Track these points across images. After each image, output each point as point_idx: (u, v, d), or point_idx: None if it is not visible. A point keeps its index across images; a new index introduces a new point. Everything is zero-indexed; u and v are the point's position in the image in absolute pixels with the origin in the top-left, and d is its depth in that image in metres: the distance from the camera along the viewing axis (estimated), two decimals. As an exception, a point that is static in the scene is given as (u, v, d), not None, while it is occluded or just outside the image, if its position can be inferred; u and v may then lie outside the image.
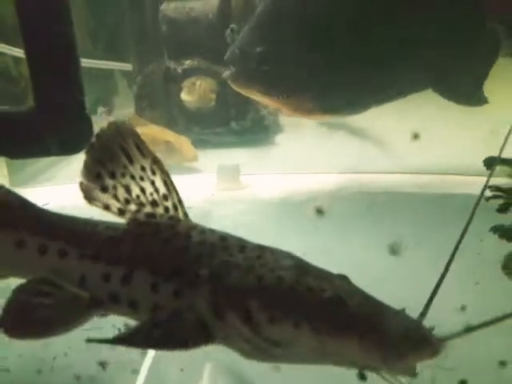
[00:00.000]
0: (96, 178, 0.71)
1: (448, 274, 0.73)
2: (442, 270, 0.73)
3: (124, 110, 3.26)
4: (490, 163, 1.26)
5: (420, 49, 1.86)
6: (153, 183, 0.71)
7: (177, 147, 2.34)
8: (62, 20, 1.11)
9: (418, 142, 2.34)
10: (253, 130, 2.86)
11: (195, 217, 1.86)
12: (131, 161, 0.70)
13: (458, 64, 1.97)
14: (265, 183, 2.20)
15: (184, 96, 3.25)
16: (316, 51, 1.78)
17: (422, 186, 2.07)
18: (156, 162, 0.72)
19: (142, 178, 0.70)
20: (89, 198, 0.71)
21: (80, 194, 0.72)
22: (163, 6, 2.94)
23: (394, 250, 1.47)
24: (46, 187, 2.21)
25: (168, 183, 0.73)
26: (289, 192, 2.09)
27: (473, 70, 1.99)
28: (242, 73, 1.84)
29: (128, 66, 2.91)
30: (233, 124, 2.83)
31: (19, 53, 2.11)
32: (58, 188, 2.13)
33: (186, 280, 0.67)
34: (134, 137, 0.70)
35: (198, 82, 3.15)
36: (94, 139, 0.71)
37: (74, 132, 1.16)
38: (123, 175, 0.70)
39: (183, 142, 2.39)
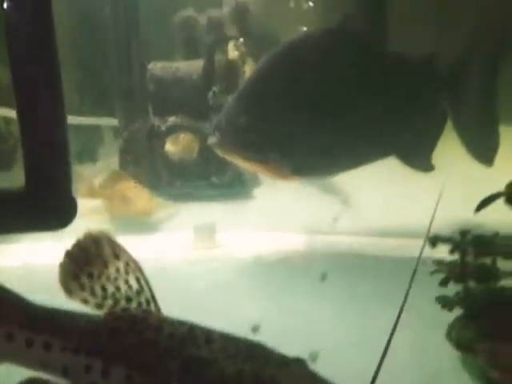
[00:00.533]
0: (74, 278, 0.81)
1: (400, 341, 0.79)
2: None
3: (109, 159, 3.38)
4: (435, 241, 1.39)
5: (382, 122, 2.09)
6: (127, 282, 0.82)
7: (133, 201, 2.41)
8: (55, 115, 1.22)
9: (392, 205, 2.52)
10: (232, 185, 3.00)
11: (171, 277, 1.97)
12: (106, 265, 0.81)
13: (412, 135, 2.20)
14: (240, 241, 2.30)
15: (168, 147, 3.40)
16: (293, 122, 1.98)
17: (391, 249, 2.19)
18: (129, 262, 0.83)
19: (116, 278, 0.81)
20: (68, 292, 0.82)
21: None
22: (151, 66, 3.13)
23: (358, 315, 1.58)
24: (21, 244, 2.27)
25: (141, 280, 0.84)
26: (263, 251, 2.20)
27: (424, 140, 2.22)
28: (227, 140, 2.01)
29: (114, 122, 3.05)
30: (213, 178, 2.97)
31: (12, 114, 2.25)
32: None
33: (157, 373, 0.74)
34: (110, 244, 0.81)
35: (182, 135, 3.32)
36: (72, 246, 0.82)
37: (60, 210, 1.27)
38: (99, 276, 0.81)
39: (142, 197, 2.46)
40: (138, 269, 0.85)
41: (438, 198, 1.36)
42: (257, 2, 3.79)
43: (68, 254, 0.83)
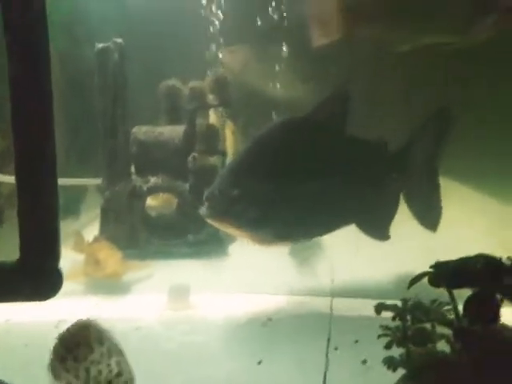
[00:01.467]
0: (62, 361, 0.97)
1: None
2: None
3: (91, 214, 3.52)
4: (379, 309, 1.57)
5: (346, 195, 2.44)
6: (108, 365, 0.97)
7: (104, 264, 2.55)
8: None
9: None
10: (208, 242, 3.17)
11: (144, 338, 2.09)
12: (92, 350, 0.97)
13: (370, 207, 2.55)
14: (213, 303, 2.45)
15: (148, 201, 3.59)
16: (275, 195, 2.26)
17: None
18: (112, 347, 0.99)
19: (99, 362, 0.97)
20: (55, 375, 0.97)
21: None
22: (135, 129, 3.35)
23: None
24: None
25: (121, 363, 0.99)
26: (236, 312, 2.34)
27: (380, 212, 2.55)
28: (218, 210, 2.27)
29: (98, 181, 3.22)
30: (189, 236, 3.14)
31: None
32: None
33: None
34: (96, 330, 0.98)
35: (162, 193, 3.52)
36: (64, 332, 0.98)
37: (48, 283, 1.41)
38: (84, 360, 0.96)
39: (113, 259, 2.60)
40: (120, 352, 1.01)
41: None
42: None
43: (59, 338, 0.99)
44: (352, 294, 2.49)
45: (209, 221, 2.31)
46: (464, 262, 1.41)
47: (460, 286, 1.37)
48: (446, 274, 1.42)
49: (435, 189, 2.61)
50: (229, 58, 4.35)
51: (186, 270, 2.90)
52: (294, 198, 2.28)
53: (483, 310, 1.29)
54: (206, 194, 2.31)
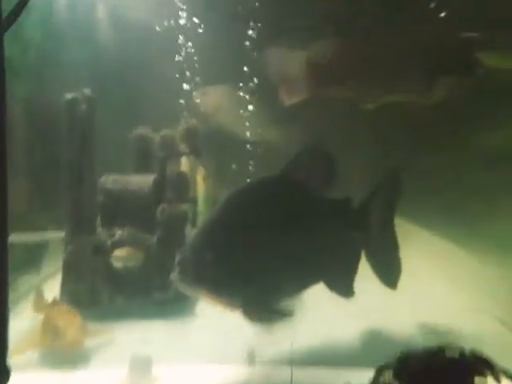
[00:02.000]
0: None
1: None
2: None
3: (54, 265, 3.35)
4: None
5: (313, 255, 2.38)
6: None
7: (62, 332, 2.36)
8: None
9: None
10: (175, 301, 3.03)
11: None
12: None
13: (334, 265, 2.49)
14: (176, 374, 2.30)
15: (115, 252, 3.44)
16: (249, 260, 2.19)
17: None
18: None
19: None
20: None
21: None
22: (102, 178, 3.24)
23: None
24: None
25: None
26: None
27: (344, 269, 2.51)
28: (190, 276, 2.16)
29: (61, 234, 3.07)
30: (156, 294, 3.00)
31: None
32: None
33: None
34: None
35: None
36: None
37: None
38: None
39: (73, 326, 2.41)
40: None
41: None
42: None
43: None
44: (314, 362, 2.40)
45: (180, 288, 2.20)
46: (429, 355, 1.37)
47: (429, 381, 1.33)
48: (409, 370, 1.37)
49: (394, 246, 2.61)
50: (202, 100, 4.34)
51: (149, 333, 2.73)
52: (266, 260, 2.21)
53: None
54: (177, 257, 2.20)
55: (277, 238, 2.26)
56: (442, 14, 3.35)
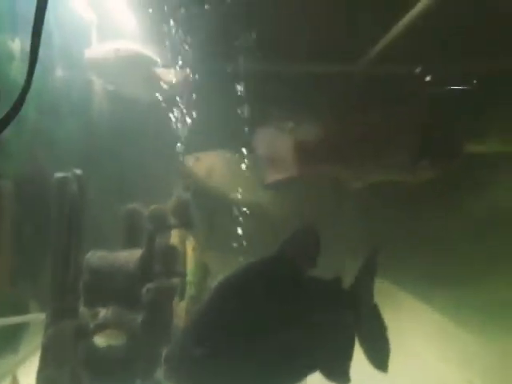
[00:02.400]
0: None
1: None
2: None
3: (33, 345, 3.21)
4: None
5: (308, 342, 2.20)
6: None
7: None
8: None
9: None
10: (160, 385, 2.88)
11: None
12: None
13: (330, 352, 2.32)
14: None
15: (99, 335, 3.32)
16: (242, 354, 2.06)
17: None
18: None
19: None
20: None
21: None
22: (89, 255, 3.17)
23: None
24: None
25: None
26: None
27: (339, 355, 2.33)
28: (176, 372, 2.04)
29: (42, 316, 2.96)
30: (137, 381, 2.85)
31: None
32: None
33: None
34: None
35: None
36: None
37: None
38: None
39: None
40: None
41: None
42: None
43: None
44: None
45: (167, 379, 2.07)
46: None
47: None
48: None
49: (382, 327, 2.45)
50: (195, 166, 4.37)
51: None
52: (258, 352, 2.08)
53: None
54: (164, 353, 2.10)
55: (269, 327, 2.13)
56: (427, 78, 3.50)
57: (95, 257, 3.20)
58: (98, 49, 4.05)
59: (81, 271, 3.04)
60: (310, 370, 2.29)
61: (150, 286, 3.07)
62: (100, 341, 3.14)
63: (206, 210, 4.00)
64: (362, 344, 2.41)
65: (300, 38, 3.72)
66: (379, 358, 2.42)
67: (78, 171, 2.91)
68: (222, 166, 4.45)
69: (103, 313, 2.99)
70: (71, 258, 2.92)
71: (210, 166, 4.46)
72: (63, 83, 3.64)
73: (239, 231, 4.04)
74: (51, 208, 2.84)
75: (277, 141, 3.09)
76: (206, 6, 3.56)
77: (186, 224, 3.56)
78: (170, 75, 4.03)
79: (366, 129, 3.09)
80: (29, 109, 3.20)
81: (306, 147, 3.05)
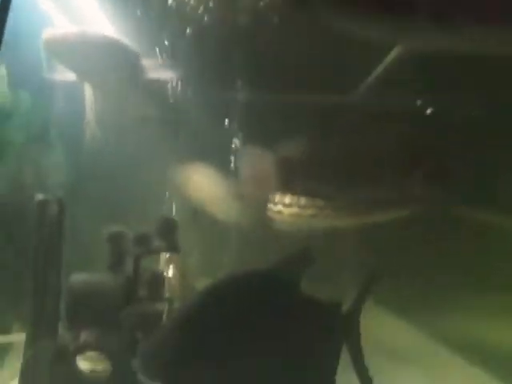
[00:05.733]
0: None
1: None
2: None
3: (13, 369, 3.17)
4: None
5: (293, 365, 2.19)
6: None
7: None
8: None
9: None
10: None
11: None
12: None
13: (318, 375, 2.27)
14: None
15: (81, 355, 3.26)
16: (217, 361, 2.05)
17: None
18: None
19: None
20: None
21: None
22: (72, 278, 3.17)
23: None
24: None
25: None
26: None
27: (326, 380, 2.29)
28: (152, 371, 2.04)
29: (21, 337, 2.95)
30: (118, 405, 2.80)
31: None
32: None
33: None
34: None
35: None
36: None
37: None
38: None
39: None
40: None
41: None
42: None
43: None
44: None
45: (141, 378, 2.08)
46: None
47: None
48: None
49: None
50: (181, 177, 4.31)
51: None
52: (239, 364, 2.06)
53: None
54: (141, 348, 2.14)
55: (252, 339, 2.12)
56: (428, 111, 3.52)
57: (79, 279, 3.20)
58: (59, 30, 3.52)
59: (60, 294, 3.03)
60: None
61: (130, 310, 3.06)
62: (82, 363, 3.10)
63: (195, 232, 4.00)
64: (358, 368, 2.40)
65: (292, 72, 3.79)
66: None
67: (59, 193, 2.96)
68: (208, 176, 4.37)
69: (84, 335, 2.96)
70: (51, 280, 2.93)
71: (195, 176, 4.39)
72: (57, 109, 3.68)
73: (230, 255, 4.03)
74: (32, 230, 2.87)
75: (260, 158, 3.11)
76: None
77: (172, 247, 3.56)
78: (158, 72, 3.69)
79: (352, 147, 3.08)
80: (15, 134, 3.27)
81: (290, 164, 3.04)
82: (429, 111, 3.53)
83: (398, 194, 2.97)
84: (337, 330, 2.45)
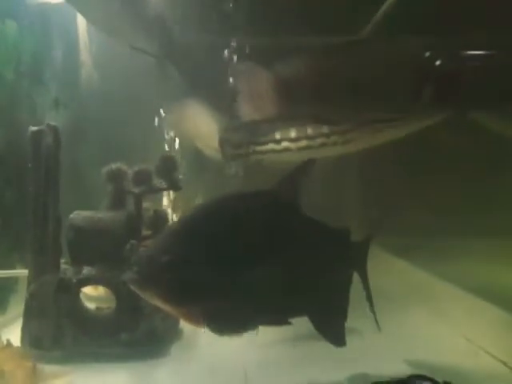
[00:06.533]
0: None
1: None
2: None
3: (19, 310, 3.18)
4: None
5: (298, 283, 2.11)
6: None
7: (8, 376, 2.18)
8: None
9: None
10: (144, 342, 2.83)
11: None
12: None
13: (324, 301, 2.22)
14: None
15: (88, 290, 3.27)
16: (213, 271, 1.95)
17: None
18: None
19: None
20: None
21: None
22: (72, 215, 3.13)
23: None
24: None
25: None
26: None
27: (333, 312, 2.22)
28: (144, 277, 1.96)
29: (25, 272, 2.93)
30: (123, 335, 2.80)
31: None
32: None
33: None
34: None
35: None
36: None
37: None
38: None
39: (21, 371, 2.23)
40: None
41: None
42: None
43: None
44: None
45: (132, 287, 2.00)
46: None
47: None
48: None
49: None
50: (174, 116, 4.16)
51: (112, 375, 2.53)
52: (236, 275, 1.97)
53: None
54: (133, 257, 2.05)
55: (255, 254, 2.03)
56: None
57: (80, 217, 3.16)
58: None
59: (60, 230, 3.00)
60: (293, 313, 2.17)
61: (134, 241, 3.02)
62: (85, 297, 3.11)
63: (195, 170, 3.90)
64: (370, 302, 2.40)
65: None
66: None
67: (53, 124, 2.86)
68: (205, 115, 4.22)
69: (87, 270, 2.95)
70: (49, 215, 2.88)
71: (191, 115, 4.24)
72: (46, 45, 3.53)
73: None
74: (27, 162, 2.80)
75: (257, 76, 2.92)
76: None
77: (173, 185, 3.49)
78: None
79: (354, 67, 2.85)
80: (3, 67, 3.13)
81: (287, 84, 2.85)
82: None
83: (406, 112, 2.81)
84: (345, 259, 2.38)
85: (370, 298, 2.43)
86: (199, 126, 4.06)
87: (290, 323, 2.15)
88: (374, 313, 2.43)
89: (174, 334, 3.05)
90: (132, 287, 2.00)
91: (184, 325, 3.15)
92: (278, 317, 2.16)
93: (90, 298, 3.33)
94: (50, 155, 2.79)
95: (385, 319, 2.46)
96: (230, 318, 2.06)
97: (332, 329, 2.25)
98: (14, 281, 3.29)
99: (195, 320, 2.05)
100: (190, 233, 2.04)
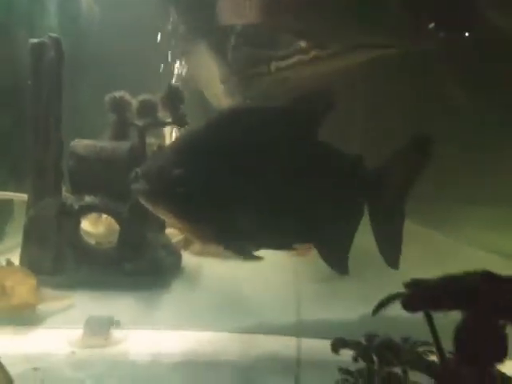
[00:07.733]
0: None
1: None
2: None
3: (16, 239, 3.06)
4: (337, 346, 1.25)
5: (305, 207, 2.01)
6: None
7: (10, 292, 2.11)
8: None
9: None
10: (147, 272, 2.75)
11: (46, 380, 1.63)
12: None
13: (330, 227, 2.12)
14: (141, 339, 2.02)
15: (87, 227, 3.14)
16: (223, 187, 1.87)
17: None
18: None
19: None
20: None
21: None
22: (73, 142, 2.97)
23: None
24: None
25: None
26: (169, 351, 1.93)
27: (340, 235, 2.15)
28: (155, 190, 1.87)
29: (24, 197, 2.80)
30: (126, 264, 2.71)
31: None
32: None
33: None
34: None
35: (104, 216, 3.09)
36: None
37: None
38: None
39: (25, 286, 2.17)
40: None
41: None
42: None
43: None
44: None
45: (141, 200, 1.92)
46: (451, 279, 1.05)
47: (449, 307, 1.01)
48: (426, 294, 1.06)
49: (400, 224, 2.20)
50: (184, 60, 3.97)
51: (115, 302, 2.45)
52: (246, 193, 1.89)
53: (485, 342, 0.93)
54: (142, 168, 1.93)
55: (268, 174, 1.93)
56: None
57: (81, 145, 3.00)
58: None
59: (61, 154, 2.84)
60: (299, 238, 2.11)
61: (138, 170, 2.89)
62: (85, 233, 2.99)
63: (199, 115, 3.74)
64: (377, 236, 2.18)
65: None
66: (391, 254, 2.19)
67: (55, 35, 2.65)
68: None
69: (89, 198, 2.82)
70: (51, 137, 2.72)
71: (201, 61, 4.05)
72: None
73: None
74: (28, 76, 2.61)
75: None
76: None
77: (179, 120, 3.33)
78: None
79: None
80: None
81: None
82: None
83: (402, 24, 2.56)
84: (358, 187, 2.26)
85: (377, 234, 2.31)
86: (205, 74, 3.88)
87: (294, 249, 2.08)
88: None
89: (177, 266, 2.97)
90: (141, 200, 1.90)
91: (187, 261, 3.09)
92: (284, 241, 2.09)
93: (90, 235, 3.21)
94: (53, 71, 2.60)
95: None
96: (238, 238, 1.98)
97: (334, 254, 2.17)
98: (10, 209, 3.14)
99: (206, 238, 2.00)
100: (202, 146, 1.92)
